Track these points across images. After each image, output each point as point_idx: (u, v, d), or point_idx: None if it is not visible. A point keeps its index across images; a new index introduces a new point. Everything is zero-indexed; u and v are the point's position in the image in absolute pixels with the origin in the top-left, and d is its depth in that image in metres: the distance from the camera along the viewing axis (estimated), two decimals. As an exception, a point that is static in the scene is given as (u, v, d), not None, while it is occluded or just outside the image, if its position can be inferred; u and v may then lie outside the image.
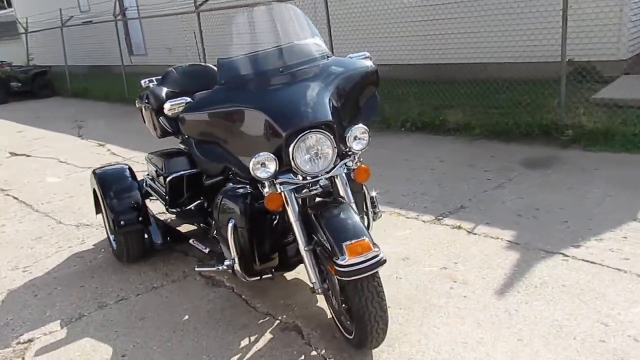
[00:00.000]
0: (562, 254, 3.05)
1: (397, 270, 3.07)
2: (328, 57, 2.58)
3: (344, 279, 2.07)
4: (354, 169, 2.43)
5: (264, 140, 2.31)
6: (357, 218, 2.21)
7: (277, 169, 2.26)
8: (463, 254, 3.18)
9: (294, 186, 2.34)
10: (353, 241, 2.07)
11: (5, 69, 13.38)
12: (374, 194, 2.88)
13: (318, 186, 2.46)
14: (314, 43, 2.57)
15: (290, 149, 2.23)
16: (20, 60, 15.59)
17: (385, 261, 2.10)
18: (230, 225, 2.45)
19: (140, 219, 3.25)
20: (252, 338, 2.58)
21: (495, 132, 5.78)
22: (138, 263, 3.46)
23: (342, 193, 2.43)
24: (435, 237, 3.46)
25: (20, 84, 13.13)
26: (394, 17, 8.63)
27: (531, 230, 3.40)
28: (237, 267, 2.50)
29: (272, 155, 2.23)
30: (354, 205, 2.42)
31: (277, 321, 2.69)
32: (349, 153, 2.40)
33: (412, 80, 7.61)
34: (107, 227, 3.55)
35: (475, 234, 3.45)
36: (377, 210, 2.86)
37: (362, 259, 2.04)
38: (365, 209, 2.78)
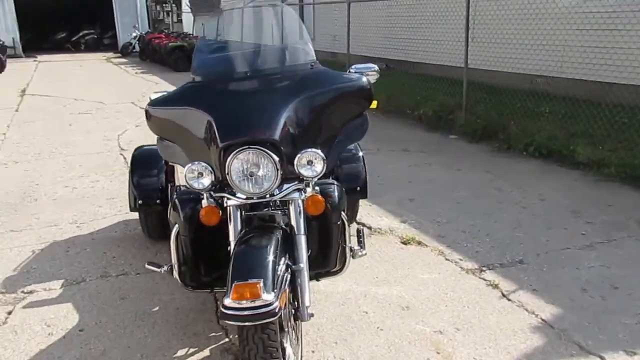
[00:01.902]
0: (601, 357, 2.28)
1: (385, 319, 2.62)
2: (312, 65, 2.26)
3: (223, 320, 1.79)
4: (305, 199, 2.09)
5: (206, 148, 2.11)
6: (271, 257, 1.88)
7: (214, 181, 2.05)
8: (475, 322, 2.58)
9: (238, 203, 2.10)
10: (243, 282, 1.77)
11: (191, 40, 15.06)
12: (360, 227, 2.49)
13: (269, 209, 2.18)
14: (299, 48, 2.27)
15: (227, 163, 2.00)
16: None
17: (274, 315, 1.75)
18: (174, 230, 2.32)
19: (159, 200, 3.31)
20: (192, 350, 2.44)
21: (635, 176, 4.65)
22: (161, 242, 3.55)
23: (292, 221, 2.12)
24: (461, 290, 2.88)
25: (201, 56, 14.64)
26: (554, 22, 7.46)
27: (583, 314, 2.61)
28: (175, 274, 2.37)
29: (208, 166, 2.03)
30: (302, 238, 2.10)
31: (227, 340, 2.50)
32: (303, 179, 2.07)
33: (563, 97, 6.54)
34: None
35: (509, 299, 2.78)
36: (360, 248, 2.46)
37: (246, 304, 1.73)
38: (342, 243, 2.40)
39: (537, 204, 4.19)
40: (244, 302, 1.72)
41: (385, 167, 5.27)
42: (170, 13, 26.96)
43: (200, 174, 2.04)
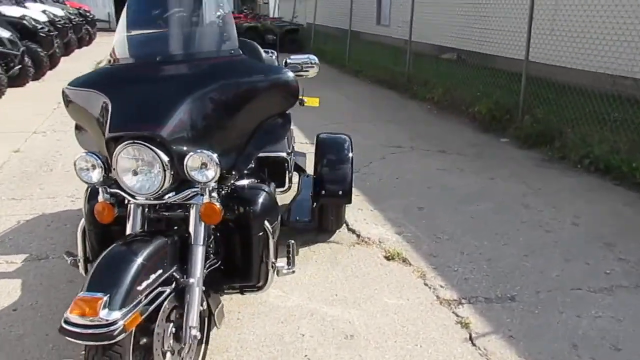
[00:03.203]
0: None
1: (319, 347, 2.29)
2: (231, 53, 1.96)
3: (61, 334, 1.57)
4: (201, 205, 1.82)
5: (101, 138, 1.89)
6: (134, 269, 1.62)
7: (107, 175, 1.84)
8: (422, 365, 2.19)
9: (136, 202, 1.87)
10: (86, 295, 1.54)
11: (265, 22, 15.08)
12: (291, 241, 2.18)
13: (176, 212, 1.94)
14: (220, 33, 1.99)
15: (113, 156, 1.77)
16: (290, 16, 17.40)
17: (111, 337, 1.50)
18: (80, 223, 2.15)
19: None
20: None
21: None
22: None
23: (190, 229, 1.86)
24: (422, 324, 2.47)
25: (274, 37, 14.64)
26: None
27: (560, 377, 2.12)
28: (81, 268, 2.20)
29: (98, 159, 1.82)
30: (199, 249, 1.83)
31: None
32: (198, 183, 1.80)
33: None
34: None
35: (474, 344, 2.33)
36: (288, 265, 2.16)
37: (82, 321, 1.50)
38: (264, 258, 2.11)
39: (566, 228, 3.59)
40: (81, 318, 1.50)
41: (409, 168, 4.82)
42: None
43: (94, 166, 1.84)
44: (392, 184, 4.41)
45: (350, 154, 3.27)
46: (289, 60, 2.30)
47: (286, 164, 3.03)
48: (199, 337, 1.84)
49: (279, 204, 3.58)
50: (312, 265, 3.00)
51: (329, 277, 2.88)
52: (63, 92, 2.17)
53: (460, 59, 10.06)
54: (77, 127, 2.19)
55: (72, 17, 12.67)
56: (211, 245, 2.04)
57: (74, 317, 1.50)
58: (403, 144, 5.66)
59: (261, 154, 2.92)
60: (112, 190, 1.87)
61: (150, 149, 1.72)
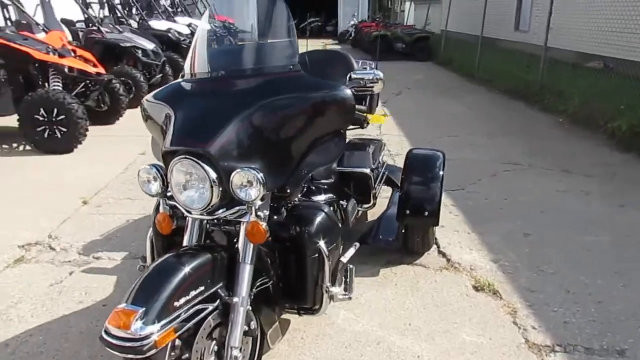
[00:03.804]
0: None
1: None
2: (291, 69, 1.89)
3: (101, 343, 1.62)
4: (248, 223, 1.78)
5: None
6: (174, 283, 1.62)
7: (164, 187, 1.89)
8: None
9: (192, 215, 1.90)
10: (124, 306, 1.57)
11: (395, 30, 14.93)
12: (350, 266, 2.05)
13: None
14: (282, 47, 1.93)
15: (169, 170, 1.81)
16: (421, 24, 17.06)
17: (141, 352, 1.49)
18: (149, 231, 2.22)
19: None
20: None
21: None
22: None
23: (239, 245, 1.84)
24: (501, 371, 2.18)
25: (403, 45, 14.46)
26: None
27: None
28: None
29: (158, 171, 1.87)
30: (246, 268, 1.80)
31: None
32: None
33: None
34: None
35: (560, 404, 1.99)
36: (345, 290, 2.03)
37: (117, 333, 1.53)
38: (319, 281, 2.01)
39: None
40: (116, 330, 1.54)
41: (523, 188, 4.37)
42: (394, 2, 27.27)
43: (155, 178, 1.91)
44: (499, 205, 4.03)
45: (442, 172, 3.03)
46: (353, 76, 2.19)
47: (370, 180, 2.90)
48: (240, 358, 1.80)
49: (368, 219, 3.50)
50: (390, 288, 2.83)
51: (406, 303, 2.68)
52: (141, 104, 2.30)
53: (607, 67, 8.97)
54: (153, 139, 2.30)
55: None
56: (268, 264, 2.00)
57: (111, 328, 1.54)
58: (521, 160, 5.16)
59: (343, 169, 2.85)
60: (171, 202, 1.92)
61: (200, 164, 1.72)
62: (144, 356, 1.52)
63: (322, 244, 1.99)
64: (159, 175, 1.87)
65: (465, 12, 15.29)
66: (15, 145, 5.70)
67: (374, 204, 3.06)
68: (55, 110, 5.23)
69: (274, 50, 2.03)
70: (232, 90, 1.89)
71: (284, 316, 2.20)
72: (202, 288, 1.70)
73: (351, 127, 3.28)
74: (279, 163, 1.82)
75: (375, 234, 3.05)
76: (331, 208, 2.63)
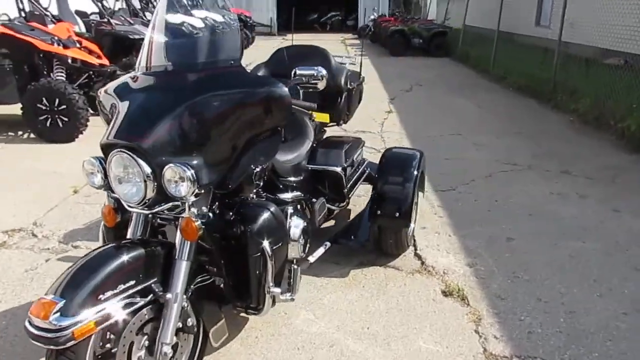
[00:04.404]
0: None
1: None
2: (232, 64, 1.86)
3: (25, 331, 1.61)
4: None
5: None
6: (99, 277, 1.61)
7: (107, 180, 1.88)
8: None
9: (133, 209, 1.89)
10: (45, 297, 1.57)
11: (413, 25, 14.72)
12: (294, 266, 2.02)
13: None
14: (225, 42, 1.93)
15: (107, 163, 1.80)
16: (440, 19, 16.78)
17: (57, 344, 1.49)
18: (101, 224, 2.21)
19: None
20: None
21: None
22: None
23: (176, 241, 1.82)
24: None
25: (420, 41, 14.24)
26: None
27: None
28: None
29: (99, 163, 1.87)
30: (182, 264, 1.78)
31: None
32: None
33: None
34: None
35: (505, 417, 1.92)
36: (288, 291, 2.00)
37: (37, 323, 1.53)
38: (262, 281, 1.98)
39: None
40: (36, 320, 1.54)
41: (517, 190, 4.25)
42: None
43: (98, 171, 1.90)
44: (487, 207, 3.92)
45: (416, 172, 2.96)
46: (298, 72, 2.14)
47: (341, 179, 2.85)
48: (170, 354, 1.79)
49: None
50: (356, 290, 2.79)
51: (369, 307, 2.64)
52: (97, 95, 2.29)
53: (627, 64, 8.65)
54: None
55: (232, 22, 13.79)
56: (211, 261, 1.99)
57: (33, 318, 1.55)
58: (521, 161, 5.02)
59: (314, 167, 2.81)
60: (114, 195, 1.92)
61: (134, 159, 1.71)
62: (61, 347, 1.53)
63: (265, 243, 1.96)
64: (101, 168, 1.87)
65: (485, 5, 14.94)
66: (20, 133, 5.82)
67: (347, 203, 3.02)
68: (57, 100, 5.31)
69: (216, 45, 2.00)
70: (171, 85, 1.87)
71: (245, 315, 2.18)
72: (132, 282, 1.69)
73: (329, 124, 3.25)
74: (214, 160, 1.79)
75: (348, 234, 3.00)
76: (298, 206, 2.60)
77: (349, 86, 3.11)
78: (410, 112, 7.29)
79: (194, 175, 1.68)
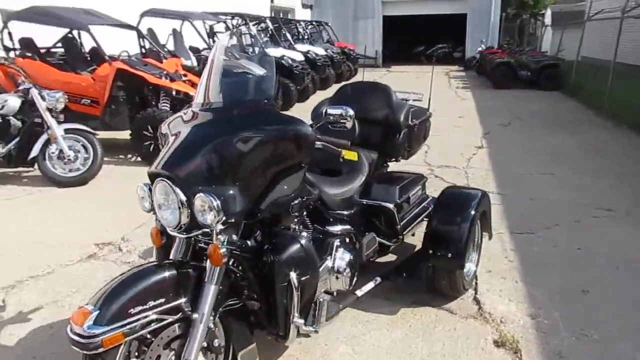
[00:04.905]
0: None
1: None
2: (265, 103, 1.97)
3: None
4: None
5: None
6: (131, 293, 1.75)
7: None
8: None
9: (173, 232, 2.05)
10: (83, 306, 1.75)
11: (520, 57, 14.09)
12: (322, 298, 2.04)
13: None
14: (259, 82, 2.06)
15: (152, 190, 1.99)
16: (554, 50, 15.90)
17: (87, 349, 1.65)
18: None
19: None
20: None
21: None
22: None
23: (207, 265, 1.94)
24: None
25: (528, 73, 13.58)
26: None
27: None
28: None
29: (148, 189, 2.06)
30: (210, 288, 1.89)
31: None
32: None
33: None
34: None
35: None
36: (313, 324, 2.03)
37: (74, 328, 1.71)
38: (289, 310, 2.02)
39: None
40: (74, 326, 1.73)
41: (606, 239, 3.88)
42: (535, 27, 25.71)
43: (148, 196, 2.10)
44: (567, 255, 3.63)
45: (474, 212, 2.85)
46: (328, 110, 2.18)
47: (393, 216, 2.84)
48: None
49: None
50: (402, 329, 2.72)
51: (411, 348, 2.56)
52: (160, 127, 2.53)
53: None
54: None
55: (334, 55, 14.28)
56: (242, 286, 2.09)
57: (72, 324, 1.74)
58: (618, 207, 4.57)
59: (366, 202, 2.83)
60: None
61: (171, 187, 1.87)
62: (90, 353, 1.70)
63: (292, 274, 2.02)
64: (150, 194, 2.06)
65: (603, 34, 13.92)
66: (129, 156, 6.49)
67: (401, 240, 2.97)
68: (160, 128, 5.87)
69: (256, 85, 2.14)
70: (211, 122, 2.03)
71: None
72: (162, 300, 1.83)
73: (391, 160, 3.26)
74: (242, 191, 1.90)
75: (400, 271, 2.96)
76: (347, 239, 2.63)
77: (409, 122, 3.11)
78: (502, 148, 6.98)
79: (220, 205, 1.80)
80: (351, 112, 2.15)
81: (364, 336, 2.67)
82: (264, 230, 2.15)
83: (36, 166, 5.21)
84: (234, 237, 1.95)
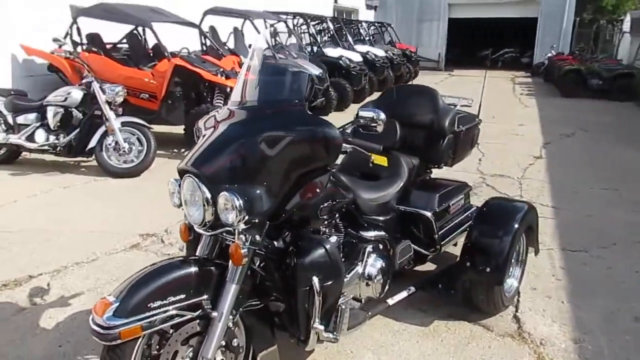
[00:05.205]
0: None
1: None
2: (296, 103, 1.94)
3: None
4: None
5: None
6: (152, 288, 1.76)
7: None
8: None
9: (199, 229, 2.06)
10: (105, 297, 1.78)
11: (592, 64, 13.32)
12: (342, 305, 1.99)
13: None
14: (291, 83, 2.05)
15: (181, 186, 2.01)
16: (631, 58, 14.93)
17: (105, 339, 1.67)
18: None
19: None
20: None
21: None
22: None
23: (229, 264, 1.94)
24: None
25: (600, 82, 12.83)
26: None
27: None
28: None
29: (178, 185, 2.08)
30: (231, 287, 1.88)
31: None
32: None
33: None
34: None
35: None
36: (333, 332, 1.98)
37: (94, 318, 1.74)
38: (310, 314, 1.98)
39: None
40: (95, 317, 1.77)
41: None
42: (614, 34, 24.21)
43: (178, 192, 2.12)
44: (622, 277, 3.37)
45: (517, 225, 2.70)
46: (360, 113, 2.11)
47: (431, 224, 2.74)
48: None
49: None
50: (433, 342, 2.62)
51: (438, 362, 2.46)
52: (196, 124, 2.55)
53: None
54: None
55: (394, 57, 14.10)
56: (265, 287, 2.08)
57: (93, 314, 1.78)
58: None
59: (404, 208, 2.75)
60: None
61: (197, 184, 1.88)
62: (108, 344, 1.73)
63: (315, 279, 1.98)
64: (177, 189, 2.08)
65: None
66: (182, 150, 6.68)
67: (439, 250, 2.86)
68: (212, 124, 6.00)
69: (283, 85, 2.11)
70: (241, 120, 2.02)
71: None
72: (182, 296, 1.84)
73: (434, 166, 3.14)
74: (266, 192, 1.88)
75: (435, 282, 2.85)
76: (380, 246, 2.56)
77: (455, 129, 2.98)
78: (563, 159, 6.61)
79: (243, 205, 1.79)
80: (383, 115, 2.08)
81: (392, 346, 2.59)
82: (292, 233, 2.13)
83: (94, 157, 5.46)
84: (258, 237, 1.93)
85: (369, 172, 2.84)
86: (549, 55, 17.87)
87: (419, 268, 3.10)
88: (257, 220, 1.88)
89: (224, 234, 1.96)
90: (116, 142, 5.32)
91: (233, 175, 1.87)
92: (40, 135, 5.44)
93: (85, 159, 5.78)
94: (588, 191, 5.25)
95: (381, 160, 2.74)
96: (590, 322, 2.82)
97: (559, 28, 20.43)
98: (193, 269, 1.90)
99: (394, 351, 2.55)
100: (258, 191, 1.87)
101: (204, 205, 1.88)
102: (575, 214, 4.56)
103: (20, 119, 5.55)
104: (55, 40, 5.38)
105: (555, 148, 7.30)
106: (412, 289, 2.76)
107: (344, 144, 2.03)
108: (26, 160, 6.04)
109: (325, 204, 2.15)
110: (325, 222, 2.25)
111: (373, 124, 2.09)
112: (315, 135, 1.92)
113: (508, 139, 7.80)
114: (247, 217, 1.82)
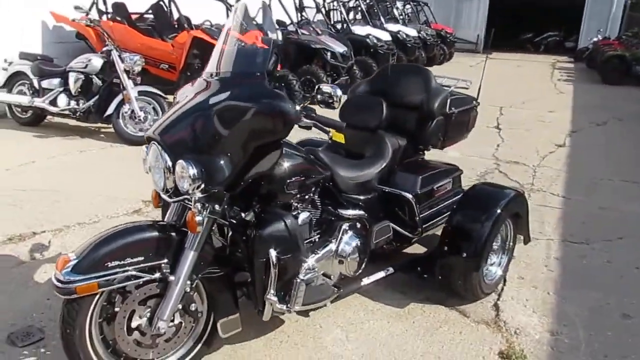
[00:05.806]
0: None
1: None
2: (257, 75, 1.94)
3: None
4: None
5: None
6: (111, 248, 1.84)
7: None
8: None
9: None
10: (66, 253, 1.86)
11: (638, 50, 12.64)
12: (298, 279, 2.01)
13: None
14: (256, 54, 2.07)
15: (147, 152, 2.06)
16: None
17: (62, 293, 1.77)
18: None
19: None
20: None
21: None
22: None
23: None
24: None
25: (644, 69, 12.19)
26: None
27: None
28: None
29: (146, 151, 2.13)
30: (189, 254, 1.93)
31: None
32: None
33: None
34: None
35: None
36: (286, 304, 2.02)
37: (56, 274, 1.82)
38: (266, 286, 2.01)
39: None
40: (56, 272, 1.85)
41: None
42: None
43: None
44: (620, 272, 3.25)
45: (499, 211, 2.64)
46: (320, 87, 2.08)
47: (412, 206, 2.71)
48: (164, 331, 1.96)
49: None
50: (404, 324, 2.62)
51: (407, 344, 2.46)
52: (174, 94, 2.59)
53: None
54: None
55: (428, 37, 13.77)
56: (226, 256, 2.12)
57: (55, 269, 1.87)
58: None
59: (386, 189, 2.72)
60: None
61: (159, 151, 1.92)
62: (64, 297, 1.81)
63: (272, 251, 2.00)
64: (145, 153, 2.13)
65: None
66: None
67: (421, 233, 2.83)
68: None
69: (250, 56, 2.11)
70: (204, 91, 2.04)
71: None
72: (140, 258, 1.90)
73: (426, 148, 3.09)
74: (223, 162, 1.89)
75: (415, 264, 2.83)
76: (358, 225, 2.56)
77: (446, 110, 2.91)
78: (587, 149, 6.37)
79: (197, 174, 1.82)
80: (339, 92, 2.06)
81: (362, 324, 2.60)
82: (260, 206, 2.15)
83: (112, 123, 5.62)
84: (217, 207, 1.96)
85: (356, 152, 2.82)
86: (595, 39, 17.04)
87: (407, 250, 3.09)
88: (215, 190, 1.92)
89: (187, 201, 2.01)
90: (132, 111, 5.44)
91: (192, 144, 1.91)
92: (62, 100, 5.63)
93: (104, 125, 5.96)
94: (606, 183, 5.06)
95: (339, 137, 2.71)
96: (573, 315, 2.75)
97: (608, 11, 19.42)
98: (155, 234, 1.96)
99: (363, 329, 2.56)
100: (215, 161, 1.89)
101: (164, 172, 1.92)
102: (586, 205, 4.41)
103: (45, 84, 5.75)
104: (76, 7, 5.51)
105: (582, 137, 7.03)
106: (391, 269, 2.75)
107: (305, 119, 2.03)
108: (50, 124, 6.27)
109: (293, 179, 2.16)
110: (298, 197, 2.26)
111: (330, 100, 2.07)
112: (268, 109, 1.91)
113: (533, 125, 7.56)
114: (202, 186, 1.85)
